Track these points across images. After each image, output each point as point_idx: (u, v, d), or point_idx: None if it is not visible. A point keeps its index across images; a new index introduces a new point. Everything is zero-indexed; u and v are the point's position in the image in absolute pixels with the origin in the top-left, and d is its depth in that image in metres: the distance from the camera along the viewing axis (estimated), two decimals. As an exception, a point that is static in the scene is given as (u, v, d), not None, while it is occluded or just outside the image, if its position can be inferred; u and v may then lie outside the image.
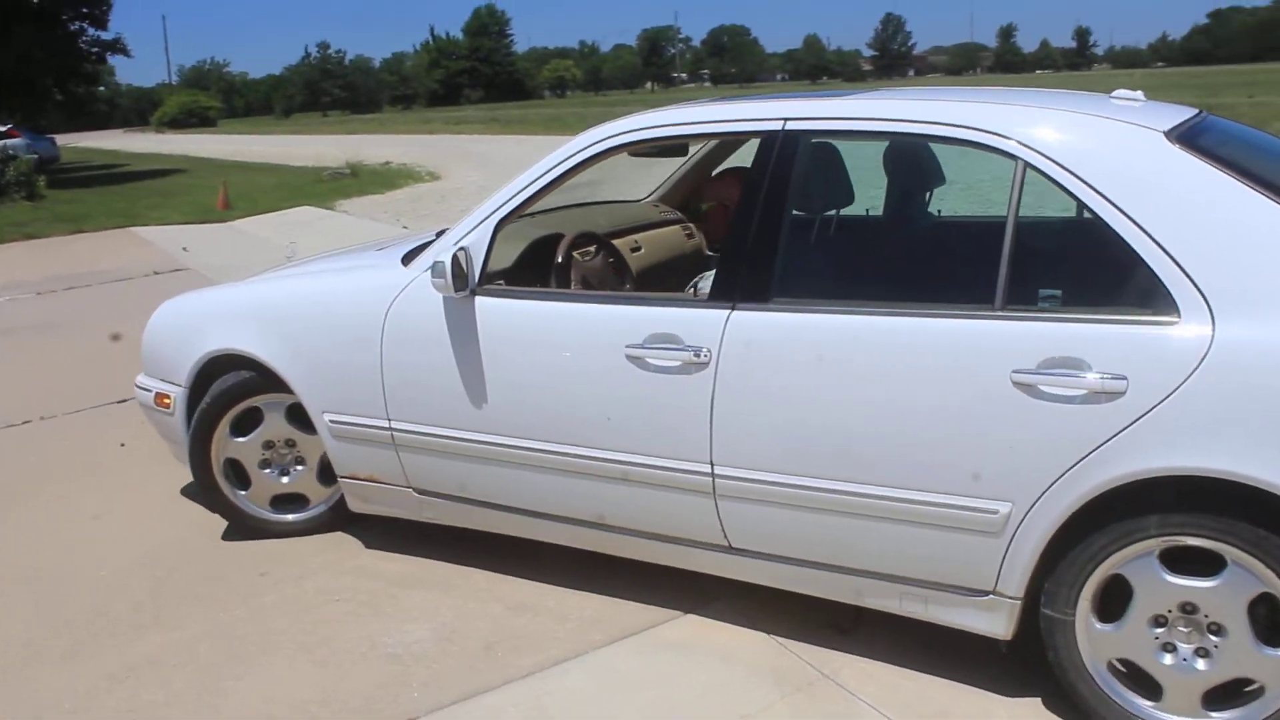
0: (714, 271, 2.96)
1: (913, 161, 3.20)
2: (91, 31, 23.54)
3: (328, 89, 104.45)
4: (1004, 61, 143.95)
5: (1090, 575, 2.36)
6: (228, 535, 3.76)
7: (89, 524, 3.99)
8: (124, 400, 5.26)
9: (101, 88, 34.67)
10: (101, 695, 2.81)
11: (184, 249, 11.08)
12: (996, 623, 2.51)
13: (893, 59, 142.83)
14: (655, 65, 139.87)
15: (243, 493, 3.70)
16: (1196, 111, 2.70)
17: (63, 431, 5.14)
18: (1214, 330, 2.18)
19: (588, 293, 3.33)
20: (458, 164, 20.35)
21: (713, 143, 4.18)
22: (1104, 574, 2.35)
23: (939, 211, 3.55)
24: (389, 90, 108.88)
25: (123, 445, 4.83)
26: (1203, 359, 2.17)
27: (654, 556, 2.99)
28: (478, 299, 3.03)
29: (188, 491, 4.20)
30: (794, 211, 2.78)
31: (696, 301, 2.83)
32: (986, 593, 2.49)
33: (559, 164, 3.07)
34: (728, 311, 2.68)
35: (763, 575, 2.82)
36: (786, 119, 2.75)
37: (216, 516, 3.83)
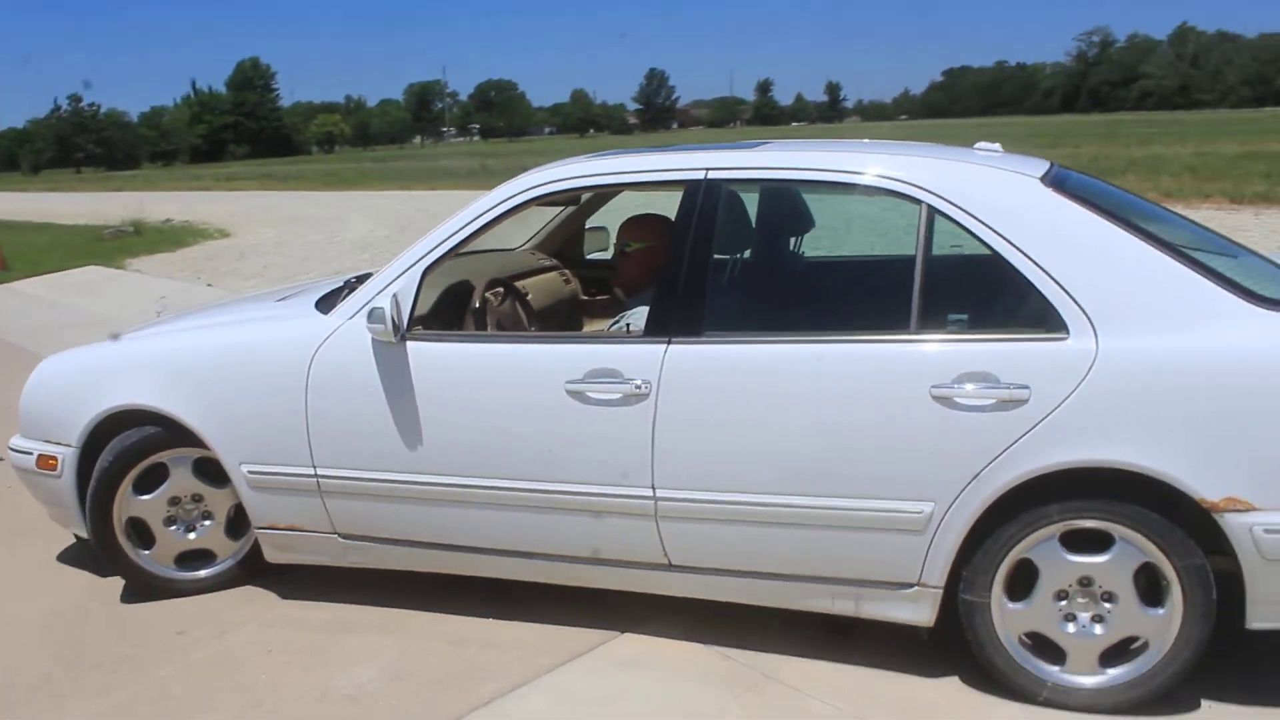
0: (638, 310, 3.18)
1: (796, 205, 3.52)
2: None
3: (81, 144, 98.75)
4: (762, 114, 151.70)
5: (1003, 561, 2.71)
6: (127, 598, 3.66)
7: (-38, 596, 3.77)
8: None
9: None
10: None
11: None
12: (921, 611, 2.83)
13: (657, 113, 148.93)
14: (424, 119, 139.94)
15: (146, 552, 3.61)
16: (1050, 163, 3.14)
17: None
18: (1098, 344, 2.57)
19: (523, 334, 3.49)
20: (244, 221, 19.79)
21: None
22: (1014, 559, 2.71)
23: (816, 253, 3.91)
24: (148, 146, 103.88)
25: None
26: (1090, 368, 2.56)
27: (595, 581, 3.16)
28: (409, 344, 3.13)
29: (65, 557, 4.06)
30: (717, 254, 3.04)
31: (633, 338, 3.03)
32: (911, 585, 2.80)
33: (483, 214, 3.22)
34: (664, 346, 2.90)
35: (702, 589, 3.04)
36: (708, 169, 3.01)
37: (106, 581, 3.76)
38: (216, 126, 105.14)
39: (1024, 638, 2.77)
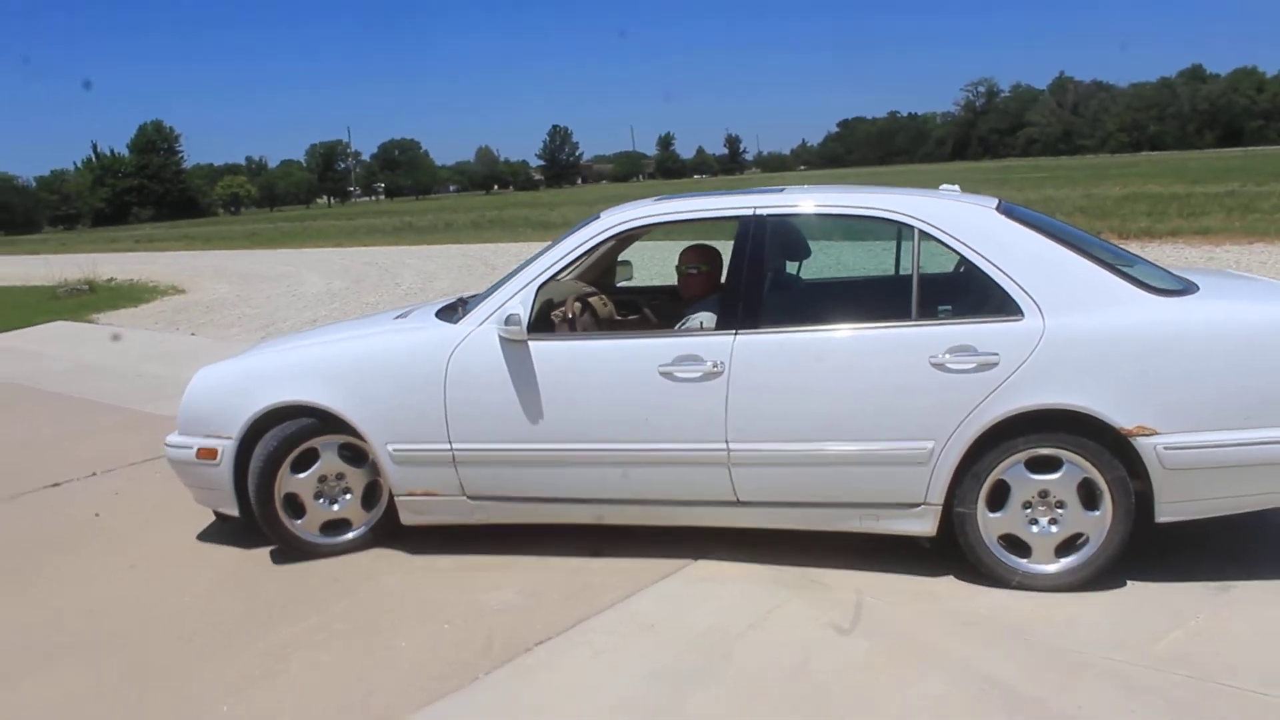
0: (702, 314, 4.23)
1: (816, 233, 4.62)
2: None
3: None
4: (664, 168, 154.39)
5: (985, 481, 3.79)
6: (278, 559, 4.53)
7: (130, 572, 4.59)
8: (90, 474, 5.80)
9: None
10: (274, 661, 3.59)
11: None
12: (925, 524, 3.89)
13: (562, 168, 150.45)
14: (329, 179, 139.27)
15: (299, 521, 4.48)
16: (998, 199, 4.28)
17: (35, 507, 5.56)
18: (1044, 323, 3.69)
19: (623, 331, 4.50)
20: (191, 278, 20.30)
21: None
22: (993, 480, 3.79)
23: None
24: (49, 210, 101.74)
25: (97, 515, 5.33)
26: (1040, 340, 3.68)
27: (680, 520, 4.16)
28: (531, 342, 4.11)
29: (206, 537, 4.89)
30: (769, 268, 4.12)
31: (708, 332, 4.07)
32: (918, 504, 3.87)
33: (578, 246, 4.28)
34: (733, 336, 3.94)
35: (764, 520, 4.07)
36: (756, 207, 4.10)
37: (252, 551, 4.62)
38: (120, 189, 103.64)
39: (1000, 539, 3.84)
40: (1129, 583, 3.83)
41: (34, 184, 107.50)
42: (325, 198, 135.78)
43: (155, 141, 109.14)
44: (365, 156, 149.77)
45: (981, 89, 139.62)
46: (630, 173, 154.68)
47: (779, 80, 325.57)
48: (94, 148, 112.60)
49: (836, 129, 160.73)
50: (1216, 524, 3.90)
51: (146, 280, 19.94)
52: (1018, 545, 3.84)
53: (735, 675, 3.33)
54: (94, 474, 6.07)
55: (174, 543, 4.87)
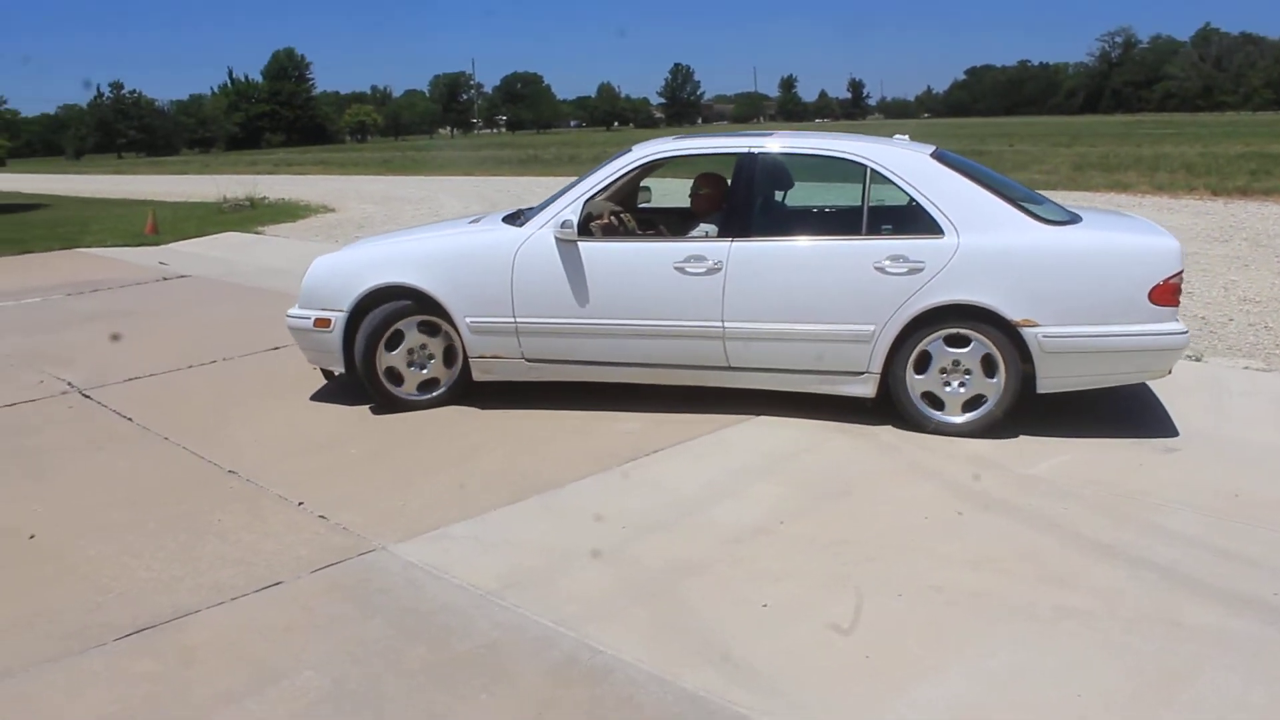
0: (708, 225, 5.56)
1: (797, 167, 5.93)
2: None
3: (123, 130, 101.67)
4: (786, 110, 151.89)
5: (912, 353, 5.10)
6: (377, 411, 5.85)
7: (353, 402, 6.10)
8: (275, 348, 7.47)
9: None
10: (469, 451, 5.13)
11: (161, 263, 12.83)
12: (868, 388, 5.22)
13: (681, 107, 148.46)
14: (452, 111, 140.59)
15: (400, 387, 5.89)
16: (935, 146, 5.55)
17: (226, 372, 7.10)
18: (959, 239, 4.98)
19: (647, 235, 5.84)
20: (339, 199, 22.02)
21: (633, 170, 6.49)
22: (918, 351, 5.10)
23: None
24: (186, 133, 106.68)
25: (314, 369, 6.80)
26: (955, 251, 4.97)
27: (685, 380, 5.53)
28: (580, 242, 5.47)
29: (318, 397, 6.25)
30: (759, 194, 5.45)
31: (712, 238, 5.40)
32: (863, 373, 5.20)
33: (617, 171, 5.63)
34: (730, 242, 5.28)
35: (747, 381, 5.42)
36: (752, 147, 5.42)
37: (353, 408, 5.93)
38: (253, 115, 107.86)
39: (922, 396, 5.17)
40: (1021, 436, 5.13)
41: (171, 108, 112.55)
42: (448, 128, 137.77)
43: (287, 68, 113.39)
44: (488, 89, 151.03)
45: (1119, 39, 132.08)
46: (751, 114, 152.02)
47: (907, 23, 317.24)
48: (229, 73, 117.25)
49: (964, 76, 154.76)
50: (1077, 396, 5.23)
51: (297, 200, 21.85)
52: (935, 402, 5.16)
53: (788, 473, 4.73)
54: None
55: (294, 403, 6.15)
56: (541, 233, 5.55)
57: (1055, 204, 5.60)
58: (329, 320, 5.85)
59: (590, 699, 2.94)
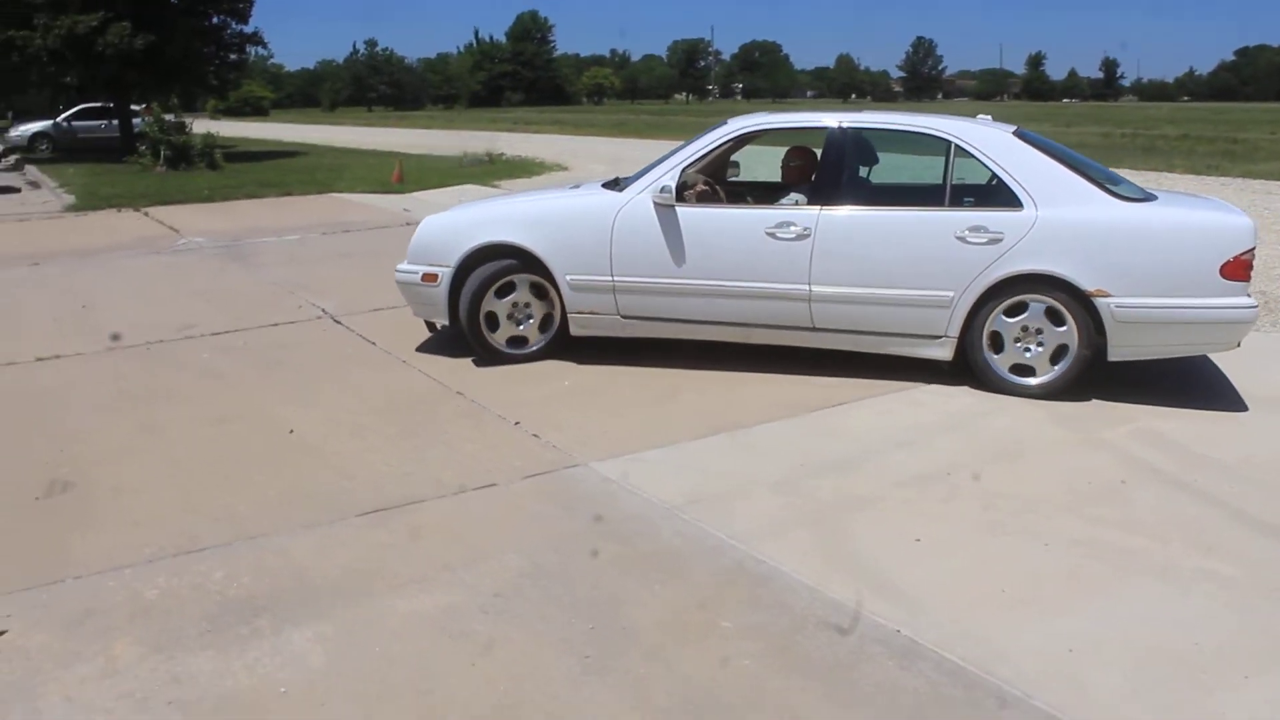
0: (797, 195, 5.89)
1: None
2: (234, 25, 27.22)
3: (374, 85, 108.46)
4: (1031, 88, 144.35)
5: (990, 318, 5.39)
6: (480, 363, 6.18)
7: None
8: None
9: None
10: (665, 396, 5.56)
11: (405, 209, 14.00)
12: (946, 351, 5.50)
13: (922, 81, 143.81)
14: (690, 77, 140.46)
15: (494, 334, 6.23)
16: (1017, 126, 5.88)
17: None
18: (1037, 212, 5.23)
19: (740, 204, 6.17)
20: (571, 158, 23.10)
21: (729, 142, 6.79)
22: (999, 312, 5.39)
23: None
24: (431, 89, 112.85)
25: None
26: (1034, 224, 5.22)
27: (768, 339, 5.85)
28: (678, 208, 5.81)
29: (424, 349, 6.60)
30: (847, 166, 5.78)
31: (801, 207, 5.72)
32: (941, 336, 5.53)
33: (713, 141, 5.96)
34: (819, 209, 5.60)
35: (830, 342, 5.73)
36: (841, 122, 5.75)
37: (457, 360, 6.25)
38: (495, 74, 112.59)
39: (1010, 367, 5.42)
40: (1093, 400, 5.33)
41: (419, 65, 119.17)
42: (684, 94, 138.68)
43: (530, 30, 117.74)
44: (725, 56, 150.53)
45: None
46: (994, 91, 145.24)
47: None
48: (475, 34, 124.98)
49: (1232, 57, 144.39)
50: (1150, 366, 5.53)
51: (533, 157, 23.05)
52: (1022, 370, 5.42)
53: (968, 432, 4.98)
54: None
55: (401, 355, 6.51)
56: (640, 198, 5.88)
57: (1133, 184, 5.91)
58: (436, 275, 6.20)
59: (749, 598, 3.37)
